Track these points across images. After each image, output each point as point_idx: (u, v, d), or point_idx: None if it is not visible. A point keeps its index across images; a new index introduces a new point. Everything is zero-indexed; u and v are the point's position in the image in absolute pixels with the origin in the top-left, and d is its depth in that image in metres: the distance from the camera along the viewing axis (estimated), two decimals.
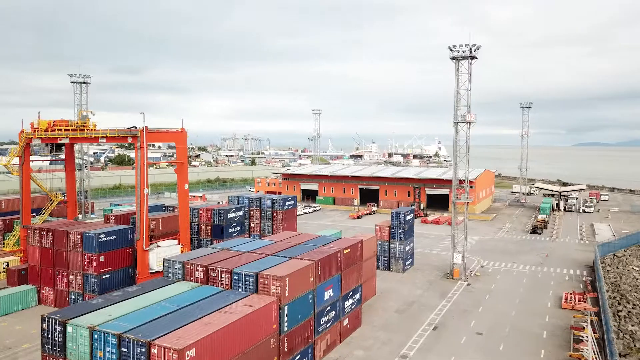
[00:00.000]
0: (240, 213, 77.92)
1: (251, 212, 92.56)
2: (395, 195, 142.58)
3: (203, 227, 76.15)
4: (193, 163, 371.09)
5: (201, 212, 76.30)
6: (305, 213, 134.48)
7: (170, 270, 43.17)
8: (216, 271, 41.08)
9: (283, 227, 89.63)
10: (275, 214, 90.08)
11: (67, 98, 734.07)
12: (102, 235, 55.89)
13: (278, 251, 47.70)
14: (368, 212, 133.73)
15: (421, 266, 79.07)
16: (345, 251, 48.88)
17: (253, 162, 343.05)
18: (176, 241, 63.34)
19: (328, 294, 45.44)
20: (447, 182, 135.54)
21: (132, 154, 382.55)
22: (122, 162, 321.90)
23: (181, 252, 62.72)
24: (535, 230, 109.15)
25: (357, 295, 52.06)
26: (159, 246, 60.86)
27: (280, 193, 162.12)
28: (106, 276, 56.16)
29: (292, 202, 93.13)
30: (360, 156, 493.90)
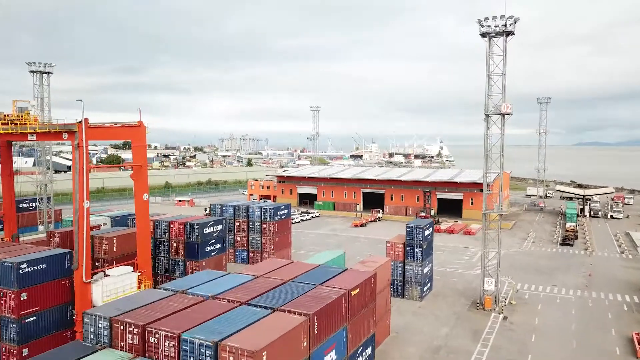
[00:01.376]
0: (220, 227, 63.49)
1: (237, 224, 78.32)
2: (402, 199, 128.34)
3: (174, 244, 61.79)
4: (187, 164, 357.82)
5: (172, 226, 61.95)
6: (303, 220, 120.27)
7: (91, 329, 28.83)
8: (157, 335, 26.78)
9: (274, 242, 75.37)
10: (265, 225, 75.90)
11: (70, 98, 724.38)
12: (25, 265, 41.46)
13: (257, 295, 33.35)
14: (372, 219, 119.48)
15: (442, 290, 64.80)
16: (353, 292, 34.59)
17: (249, 163, 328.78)
18: (132, 268, 48.99)
19: (329, 358, 31.18)
20: (460, 186, 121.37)
21: (124, 154, 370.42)
22: (113, 163, 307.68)
23: (138, 283, 48.43)
24: (566, 242, 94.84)
25: (369, 349, 37.80)
26: (108, 275, 46.53)
27: (275, 197, 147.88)
28: (31, 319, 41.75)
29: (285, 211, 78.91)
30: (360, 156, 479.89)
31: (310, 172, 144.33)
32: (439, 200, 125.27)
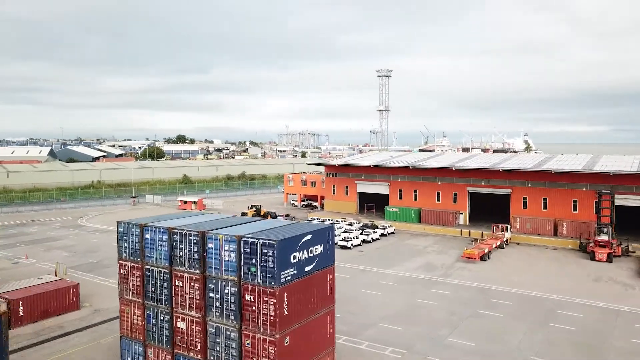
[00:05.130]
0: None
1: (176, 284, 26.10)
2: (544, 207, 71.57)
3: None
4: (237, 157, 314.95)
5: None
6: (365, 242, 66.82)
7: None
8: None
9: (281, 348, 22.01)
10: (255, 296, 22.98)
11: (140, 99, 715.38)
12: None
13: None
14: (495, 243, 63.72)
15: None
16: None
17: (303, 155, 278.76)
18: None
19: None
20: None
21: (165, 147, 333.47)
22: (153, 156, 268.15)
23: None
24: None
25: None
26: None
27: (322, 199, 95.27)
28: None
29: (319, 248, 25.66)
30: (431, 151, 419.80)
31: (378, 160, 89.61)
32: (617, 208, 67.52)
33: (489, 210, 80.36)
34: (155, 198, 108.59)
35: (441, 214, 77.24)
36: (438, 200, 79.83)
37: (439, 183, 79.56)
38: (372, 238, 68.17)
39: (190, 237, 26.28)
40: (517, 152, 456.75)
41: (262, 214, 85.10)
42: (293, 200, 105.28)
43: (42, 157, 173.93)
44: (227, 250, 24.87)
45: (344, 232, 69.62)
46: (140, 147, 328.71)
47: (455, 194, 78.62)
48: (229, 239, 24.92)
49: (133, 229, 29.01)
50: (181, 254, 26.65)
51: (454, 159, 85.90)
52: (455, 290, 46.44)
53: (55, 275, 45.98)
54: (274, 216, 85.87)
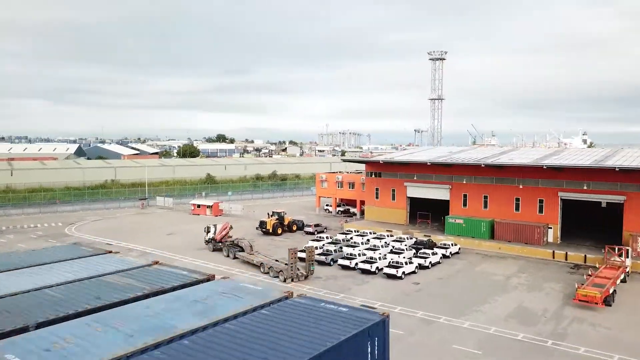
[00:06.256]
0: None
1: None
2: None
3: None
4: (274, 156, 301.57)
5: None
6: (421, 268, 48.01)
7: None
8: None
9: None
10: None
11: (187, 99, 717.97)
12: None
13: None
14: (617, 276, 43.52)
15: None
16: None
17: (343, 154, 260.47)
18: None
19: None
20: None
21: (200, 145, 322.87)
22: (187, 154, 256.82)
23: None
24: None
25: None
26: None
27: (363, 204, 77.06)
28: None
29: None
30: None
31: (435, 156, 70.32)
32: None
33: (584, 222, 60.04)
34: (166, 200, 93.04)
35: (523, 227, 57.32)
36: (517, 209, 59.95)
37: (520, 186, 59.60)
38: (430, 262, 49.30)
39: None
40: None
41: (286, 223, 67.64)
42: (327, 205, 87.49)
43: (63, 155, 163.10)
44: None
45: (392, 251, 51.22)
46: (179, 147, 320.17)
47: (541, 200, 58.56)
48: None
49: None
50: None
51: (537, 155, 65.49)
52: None
53: None
54: (301, 226, 68.23)
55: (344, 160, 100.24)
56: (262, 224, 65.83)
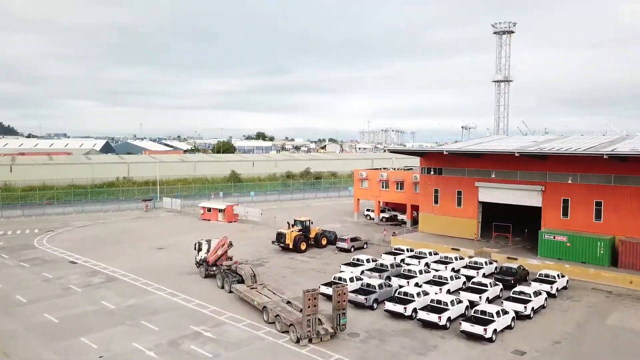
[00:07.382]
0: None
1: None
2: None
3: None
4: (313, 154, 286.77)
5: None
6: (518, 317, 29.76)
7: None
8: None
9: None
10: None
11: (227, 100, 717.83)
12: None
13: None
14: None
15: None
16: None
17: (384, 151, 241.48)
18: None
19: None
20: None
21: (237, 142, 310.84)
22: (221, 150, 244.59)
23: None
24: None
25: None
26: None
27: (416, 210, 59.11)
28: None
29: None
30: None
31: (520, 145, 50.66)
32: None
33: None
34: (174, 202, 77.56)
35: None
36: None
37: None
38: (532, 309, 30.88)
39: None
40: None
41: (312, 235, 50.48)
42: (368, 210, 69.80)
43: (83, 150, 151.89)
44: None
45: (470, 287, 33.24)
46: (214, 144, 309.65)
47: None
48: None
49: None
50: None
51: None
52: None
53: None
54: (333, 240, 50.92)
55: (391, 152, 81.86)
56: (280, 237, 48.86)
